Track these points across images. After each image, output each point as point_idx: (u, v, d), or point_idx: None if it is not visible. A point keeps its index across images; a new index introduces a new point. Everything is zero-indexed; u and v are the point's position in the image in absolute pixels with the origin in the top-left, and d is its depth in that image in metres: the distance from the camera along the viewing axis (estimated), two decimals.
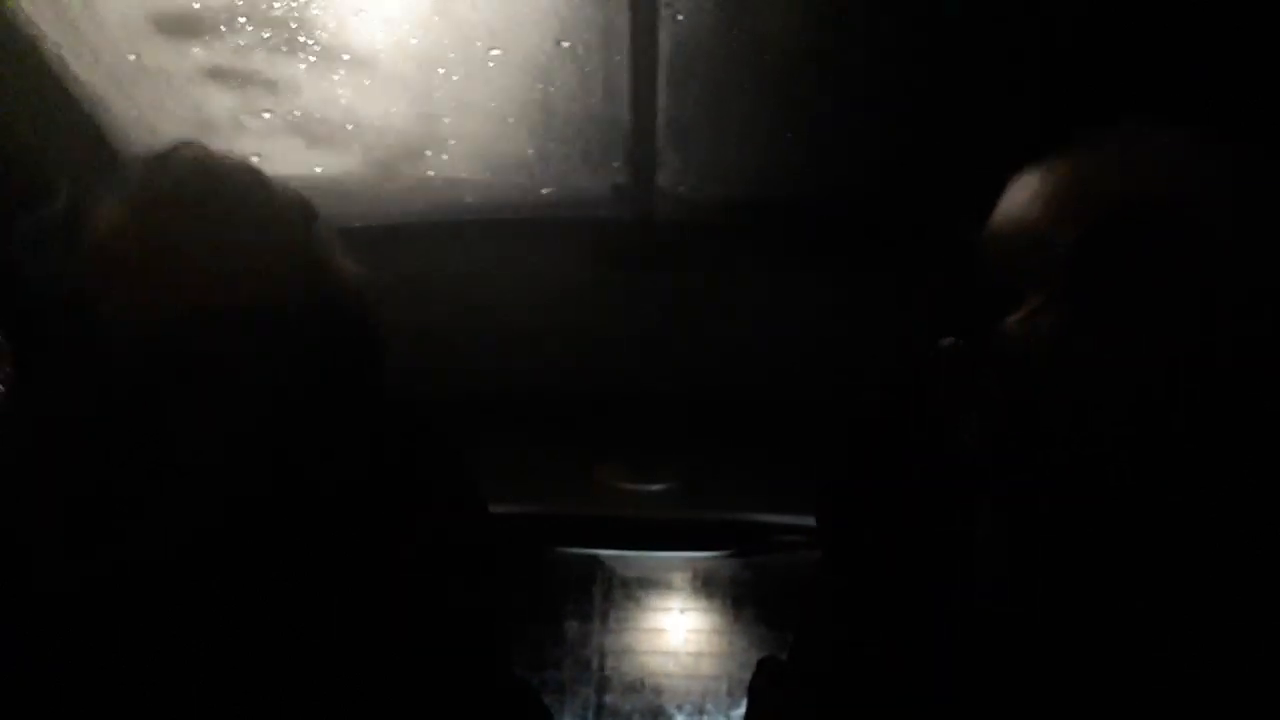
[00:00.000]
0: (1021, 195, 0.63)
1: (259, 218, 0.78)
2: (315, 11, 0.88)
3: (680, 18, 0.87)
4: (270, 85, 0.97)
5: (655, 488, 2.08)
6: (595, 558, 4.16)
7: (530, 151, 1.06)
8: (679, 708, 4.68)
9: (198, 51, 0.93)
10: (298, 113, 1.01)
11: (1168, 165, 0.58)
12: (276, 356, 0.71)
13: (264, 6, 0.88)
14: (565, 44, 0.91)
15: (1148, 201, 0.57)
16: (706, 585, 4.67)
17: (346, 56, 0.92)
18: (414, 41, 0.90)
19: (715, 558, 3.90)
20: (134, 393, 0.66)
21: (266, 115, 0.99)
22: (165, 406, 0.66)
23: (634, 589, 4.66)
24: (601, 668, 4.71)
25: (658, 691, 4.71)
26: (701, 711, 4.67)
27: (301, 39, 0.91)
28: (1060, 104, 0.74)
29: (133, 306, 0.69)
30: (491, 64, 0.93)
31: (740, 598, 4.62)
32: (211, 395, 0.68)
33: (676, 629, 4.74)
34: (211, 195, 0.77)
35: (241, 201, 0.78)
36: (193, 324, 0.70)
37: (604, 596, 4.74)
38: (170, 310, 0.69)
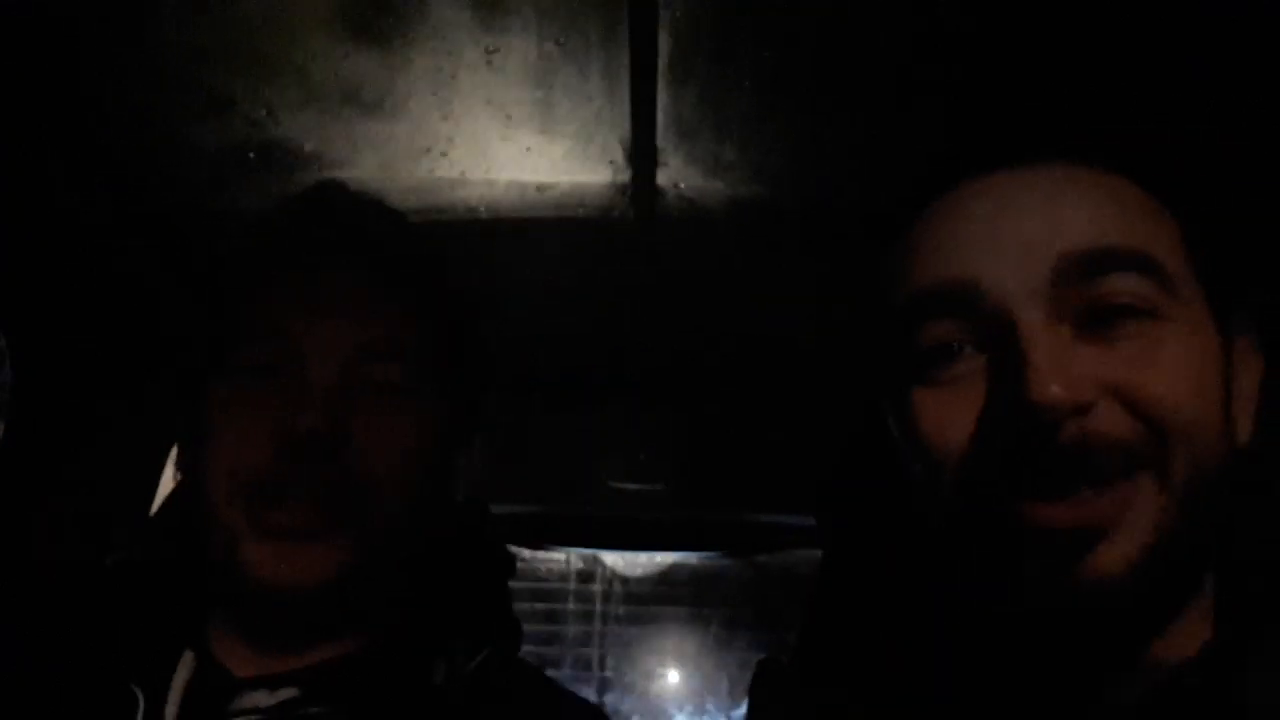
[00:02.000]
0: None
1: (399, 254, 0.83)
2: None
3: (679, 15, 0.87)
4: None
5: (655, 488, 2.07)
6: (595, 557, 4.16)
7: (530, 151, 1.06)
8: (680, 707, 4.68)
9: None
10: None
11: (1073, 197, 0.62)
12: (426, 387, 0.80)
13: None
14: (564, 43, 0.91)
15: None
16: (706, 585, 4.66)
17: (345, 54, 0.92)
18: (413, 41, 0.90)
19: (715, 558, 3.90)
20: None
21: (265, 113, 0.99)
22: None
23: (634, 589, 4.65)
24: (602, 668, 4.71)
25: (658, 691, 4.71)
26: (702, 711, 4.67)
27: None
28: (1060, 106, 0.74)
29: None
30: (491, 63, 0.93)
31: (740, 598, 4.61)
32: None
33: (676, 629, 4.74)
34: (356, 234, 0.82)
35: (380, 240, 0.83)
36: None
37: (604, 596, 4.74)
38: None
